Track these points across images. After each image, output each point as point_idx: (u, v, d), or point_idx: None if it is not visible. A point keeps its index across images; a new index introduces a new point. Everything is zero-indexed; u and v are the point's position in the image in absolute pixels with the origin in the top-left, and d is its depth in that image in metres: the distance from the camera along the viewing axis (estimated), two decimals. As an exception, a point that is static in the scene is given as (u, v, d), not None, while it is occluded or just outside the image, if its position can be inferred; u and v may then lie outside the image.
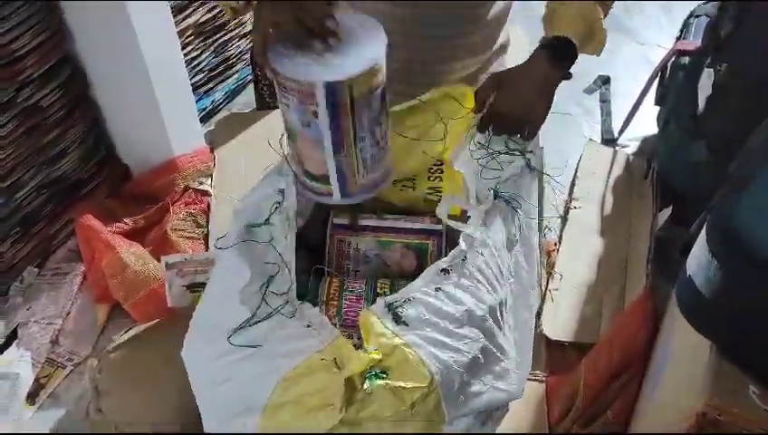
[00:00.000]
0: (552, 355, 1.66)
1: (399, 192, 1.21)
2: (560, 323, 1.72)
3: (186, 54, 1.97)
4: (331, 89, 0.86)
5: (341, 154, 0.93)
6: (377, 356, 0.83)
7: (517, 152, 1.05)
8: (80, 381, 1.65)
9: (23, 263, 1.88)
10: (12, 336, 1.75)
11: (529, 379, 1.09)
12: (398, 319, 0.87)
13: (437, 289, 0.90)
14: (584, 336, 1.69)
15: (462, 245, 0.94)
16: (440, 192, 1.20)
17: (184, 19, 2.01)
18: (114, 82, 1.85)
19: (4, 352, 1.72)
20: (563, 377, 1.57)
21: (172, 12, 1.83)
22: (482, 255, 0.92)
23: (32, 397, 1.63)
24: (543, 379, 1.58)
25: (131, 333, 1.52)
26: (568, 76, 1.05)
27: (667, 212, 2.00)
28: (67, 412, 1.61)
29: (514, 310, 0.99)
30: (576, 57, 1.04)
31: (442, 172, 1.19)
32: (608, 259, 1.89)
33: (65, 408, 1.62)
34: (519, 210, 1.03)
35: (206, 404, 0.94)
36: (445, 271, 0.92)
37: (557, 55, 1.03)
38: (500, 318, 0.93)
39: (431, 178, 1.19)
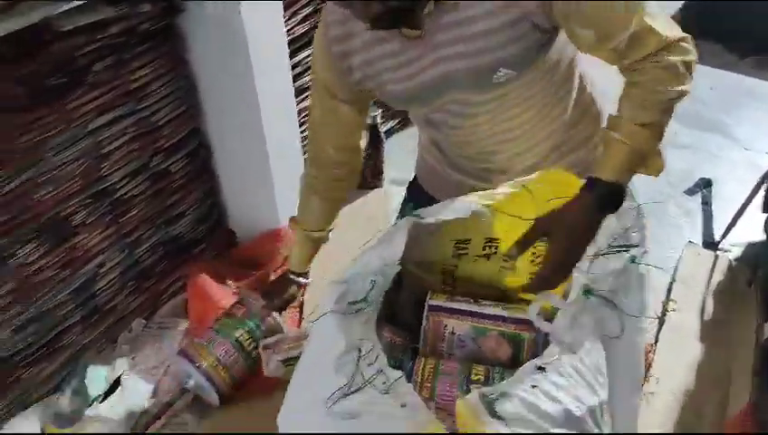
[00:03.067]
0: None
1: (498, 273, 1.21)
2: (656, 429, 1.64)
3: (302, 132, 2.11)
4: None
5: None
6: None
7: (623, 248, 1.03)
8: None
9: (132, 315, 2.01)
10: (116, 383, 1.86)
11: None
12: (493, 413, 0.86)
13: (534, 386, 0.89)
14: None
15: (552, 344, 0.94)
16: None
17: (302, 101, 2.16)
18: (235, 156, 2.01)
19: (107, 399, 1.81)
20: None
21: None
22: (576, 354, 0.92)
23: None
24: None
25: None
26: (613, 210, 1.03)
27: (774, 323, 1.90)
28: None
29: (614, 413, 0.97)
30: (624, 197, 1.02)
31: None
32: (708, 367, 1.80)
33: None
34: (619, 308, 1.00)
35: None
36: (541, 368, 0.91)
37: (603, 201, 1.00)
38: (599, 420, 0.91)
39: (534, 262, 1.17)
